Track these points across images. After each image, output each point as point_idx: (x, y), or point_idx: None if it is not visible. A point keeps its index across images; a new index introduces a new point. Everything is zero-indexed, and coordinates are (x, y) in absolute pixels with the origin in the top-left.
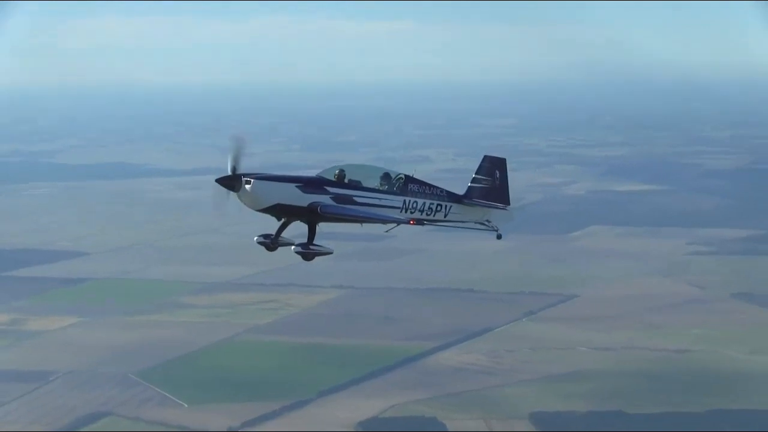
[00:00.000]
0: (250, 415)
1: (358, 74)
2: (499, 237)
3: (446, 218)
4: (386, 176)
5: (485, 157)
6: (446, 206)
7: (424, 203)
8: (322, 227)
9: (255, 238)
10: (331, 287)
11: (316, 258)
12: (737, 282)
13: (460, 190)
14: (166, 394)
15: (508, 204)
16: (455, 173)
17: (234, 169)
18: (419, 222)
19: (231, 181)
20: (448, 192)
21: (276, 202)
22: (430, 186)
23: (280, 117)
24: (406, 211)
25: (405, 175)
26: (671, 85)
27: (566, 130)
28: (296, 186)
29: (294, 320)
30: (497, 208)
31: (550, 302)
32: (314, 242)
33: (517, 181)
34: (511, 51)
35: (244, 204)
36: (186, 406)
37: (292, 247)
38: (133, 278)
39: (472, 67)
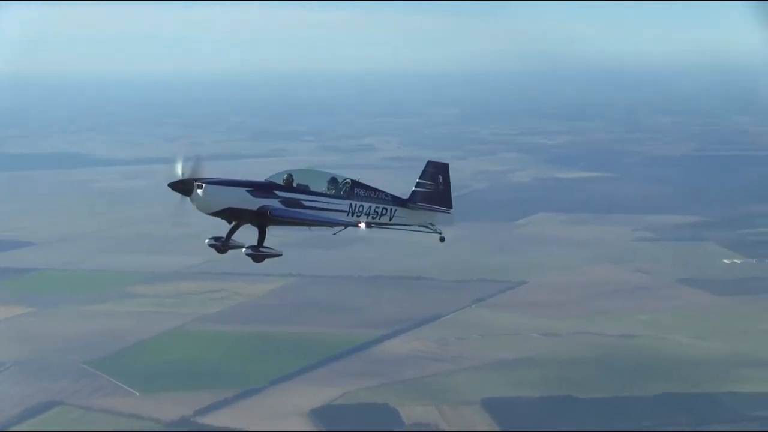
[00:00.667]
0: (202, 403)
1: (303, 64)
2: (442, 240)
3: (391, 221)
4: (333, 181)
5: (429, 162)
6: (391, 210)
7: (370, 207)
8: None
9: (206, 241)
10: (279, 276)
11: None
12: (683, 268)
13: (406, 178)
14: (118, 383)
15: (451, 208)
16: (400, 161)
17: (184, 174)
18: (367, 225)
19: (183, 186)
20: (393, 196)
21: (227, 206)
22: (376, 190)
23: (226, 106)
24: (352, 215)
25: (351, 180)
26: (608, 73)
27: (508, 119)
28: (246, 190)
29: (242, 309)
30: (440, 212)
31: (499, 289)
32: (264, 245)
33: (462, 169)
34: (452, 42)
35: (197, 207)
36: (137, 394)
37: (243, 249)
38: (79, 268)
39: (415, 57)
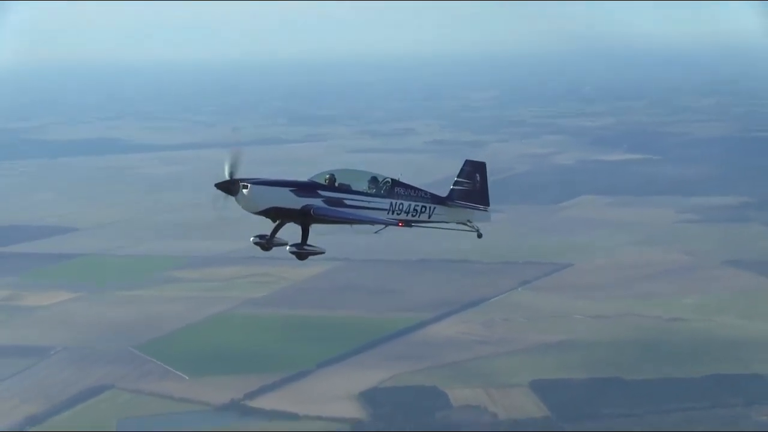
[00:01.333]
0: (251, 386)
1: (330, 49)
2: (479, 236)
3: (430, 219)
4: (374, 180)
5: (466, 161)
6: (430, 207)
7: (410, 205)
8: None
9: (251, 239)
10: (324, 260)
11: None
12: (727, 249)
13: (448, 162)
14: (167, 367)
15: (488, 205)
16: (443, 144)
17: (231, 174)
18: (407, 224)
19: (229, 186)
20: (432, 194)
21: (272, 206)
22: (415, 189)
23: (258, 93)
24: (392, 213)
25: (392, 179)
26: (650, 55)
27: (549, 102)
28: (290, 190)
29: (288, 293)
30: (478, 209)
31: (544, 272)
32: (307, 243)
33: (505, 152)
34: (487, 24)
35: (242, 207)
36: (187, 378)
37: (287, 247)
38: (123, 254)
39: (448, 40)
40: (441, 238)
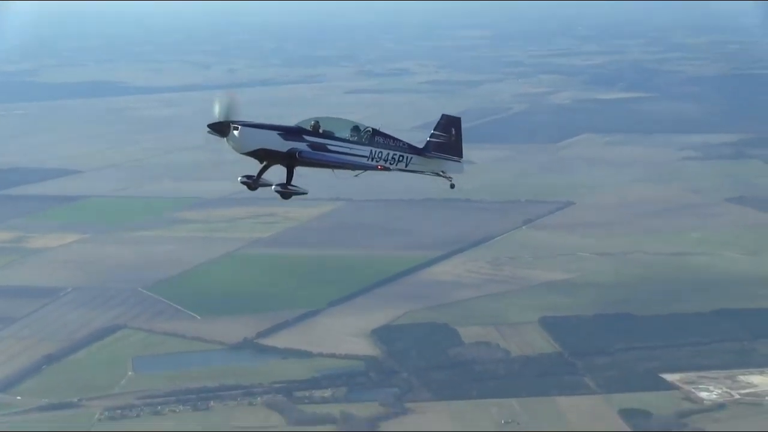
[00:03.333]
0: (263, 326)
1: None
2: (452, 187)
3: (407, 167)
4: (356, 128)
5: (443, 115)
6: (407, 157)
7: (388, 153)
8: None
9: (238, 179)
10: (328, 200)
11: (310, 175)
12: (729, 186)
13: (447, 101)
14: (178, 307)
15: (462, 157)
16: (438, 84)
17: (224, 116)
18: (385, 168)
19: (221, 127)
20: (409, 145)
21: (259, 147)
22: (394, 139)
23: (250, 34)
24: (372, 160)
25: (372, 129)
26: None
27: (542, 41)
28: (278, 133)
29: (294, 233)
30: (453, 160)
31: (548, 210)
32: (291, 183)
33: (501, 91)
34: None
35: (232, 147)
36: (199, 318)
37: (272, 187)
38: (127, 195)
39: None
40: (443, 178)
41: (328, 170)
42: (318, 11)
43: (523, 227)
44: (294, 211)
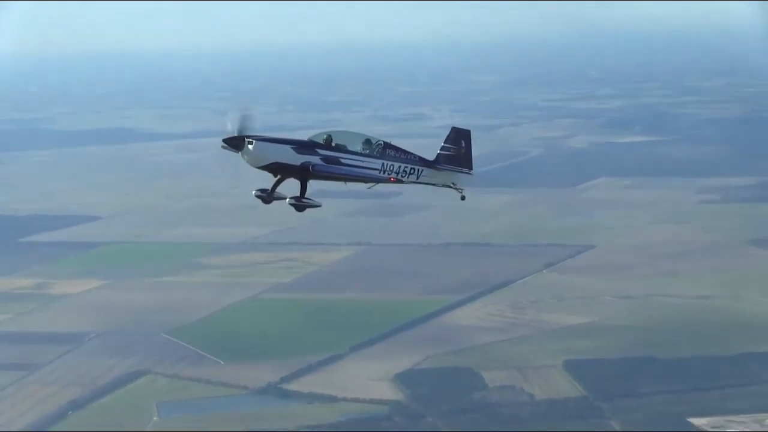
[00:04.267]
0: (286, 370)
1: (343, 34)
2: (463, 198)
3: (418, 180)
4: (368, 142)
5: (452, 128)
6: (418, 170)
7: (400, 166)
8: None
9: (253, 192)
10: (348, 244)
11: (329, 217)
12: (749, 228)
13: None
14: (201, 352)
15: (471, 169)
16: None
17: (239, 131)
18: (398, 180)
19: (236, 142)
20: (420, 158)
21: (274, 161)
22: (405, 152)
23: (265, 80)
24: (384, 173)
25: (384, 142)
26: (655, 37)
27: (556, 85)
28: (291, 147)
29: (315, 277)
30: (463, 172)
31: (568, 253)
32: (305, 196)
33: (518, 135)
34: (488, 8)
35: (247, 161)
36: (222, 363)
37: (287, 199)
38: (147, 240)
39: (449, 25)
40: (462, 221)
41: (348, 214)
42: (330, 57)
43: (544, 270)
44: (314, 256)
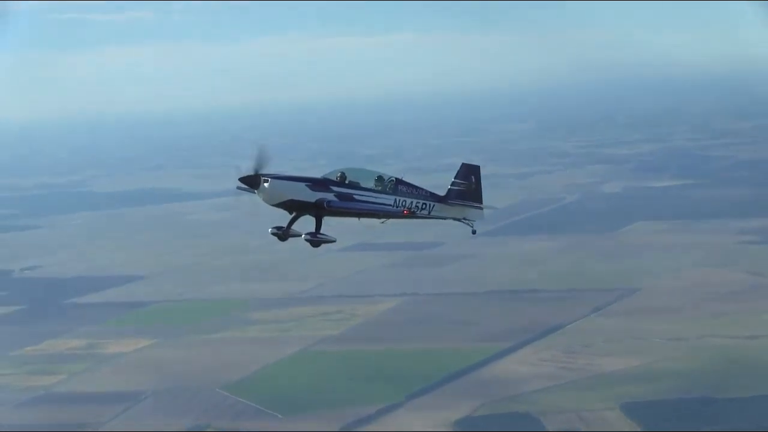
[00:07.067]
0: (345, 420)
1: (358, 90)
2: (474, 232)
3: (430, 215)
4: (380, 178)
5: (462, 164)
6: (430, 205)
7: (412, 202)
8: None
9: (269, 230)
10: (392, 296)
11: (371, 269)
12: None
13: (501, 193)
14: (258, 407)
15: (482, 204)
16: (488, 178)
17: (255, 170)
18: (411, 213)
19: (252, 180)
20: (431, 193)
21: (289, 198)
22: (417, 188)
23: (291, 137)
24: (396, 208)
25: (396, 178)
26: (681, 81)
27: (585, 131)
28: (306, 185)
29: (363, 329)
30: (474, 207)
31: (614, 297)
32: (320, 232)
33: (551, 182)
34: (510, 58)
35: (263, 199)
36: (280, 416)
37: (302, 236)
38: (192, 298)
39: (472, 76)
40: (504, 269)
41: (389, 266)
42: (355, 111)
43: (592, 315)
44: (360, 307)
